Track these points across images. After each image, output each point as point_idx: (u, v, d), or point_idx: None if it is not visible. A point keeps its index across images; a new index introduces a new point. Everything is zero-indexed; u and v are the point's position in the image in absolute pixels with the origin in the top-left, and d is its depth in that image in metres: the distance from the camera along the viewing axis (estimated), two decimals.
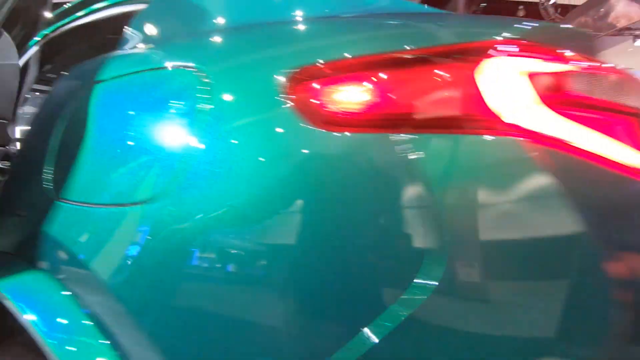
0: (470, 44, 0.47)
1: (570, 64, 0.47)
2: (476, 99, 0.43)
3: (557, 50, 0.47)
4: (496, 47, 0.45)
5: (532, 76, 0.44)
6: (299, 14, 0.61)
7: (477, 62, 0.44)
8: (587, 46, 0.52)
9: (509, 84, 0.44)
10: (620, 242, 0.43)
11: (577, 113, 0.44)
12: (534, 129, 0.43)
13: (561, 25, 0.49)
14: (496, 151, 0.44)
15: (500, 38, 0.47)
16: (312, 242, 0.44)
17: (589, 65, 0.48)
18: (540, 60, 0.46)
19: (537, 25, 0.54)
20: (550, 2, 9.81)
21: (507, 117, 0.43)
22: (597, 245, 0.42)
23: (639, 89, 0.49)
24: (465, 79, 0.44)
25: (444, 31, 0.52)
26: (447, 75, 0.45)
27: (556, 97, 0.45)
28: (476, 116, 0.44)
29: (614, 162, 0.44)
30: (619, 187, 0.45)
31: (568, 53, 0.48)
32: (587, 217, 0.41)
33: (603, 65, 0.49)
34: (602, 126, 0.45)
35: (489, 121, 0.43)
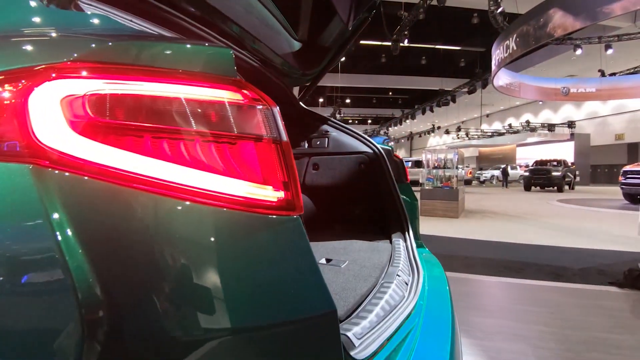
0: (27, 68, 0.47)
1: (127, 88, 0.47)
2: (23, 125, 0.45)
3: (125, 73, 0.47)
4: (50, 71, 0.46)
5: (68, 101, 0.45)
6: None
7: (30, 88, 0.45)
8: (222, 66, 0.51)
9: (49, 109, 0.45)
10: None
11: (120, 137, 0.46)
12: (67, 154, 0.44)
13: (184, 44, 0.53)
14: (21, 176, 0.44)
15: (62, 61, 0.47)
16: None
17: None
18: (94, 82, 0.46)
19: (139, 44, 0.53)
20: (498, 11, 13.11)
21: (43, 142, 0.44)
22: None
23: (245, 116, 0.51)
24: (16, 106, 0.45)
25: (7, 55, 0.51)
26: (2, 100, 0.46)
27: (91, 121, 0.46)
28: (20, 143, 0.45)
29: (151, 182, 0.45)
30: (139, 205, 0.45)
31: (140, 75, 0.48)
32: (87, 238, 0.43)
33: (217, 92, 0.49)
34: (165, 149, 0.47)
35: (30, 148, 0.44)
